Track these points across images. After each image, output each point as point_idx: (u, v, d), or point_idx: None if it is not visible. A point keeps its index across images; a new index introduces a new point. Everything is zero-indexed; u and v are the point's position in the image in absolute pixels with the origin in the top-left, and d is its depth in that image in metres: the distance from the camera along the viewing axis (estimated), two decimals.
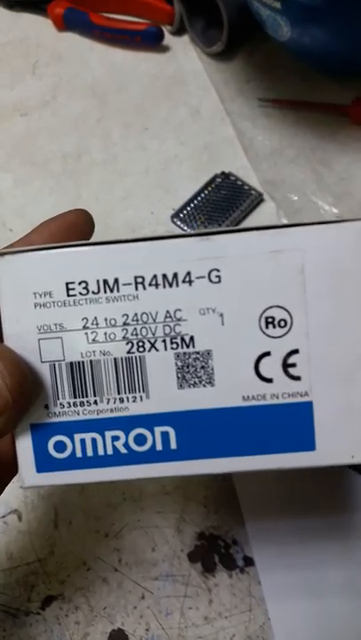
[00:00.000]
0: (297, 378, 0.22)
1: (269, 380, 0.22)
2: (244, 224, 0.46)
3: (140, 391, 0.22)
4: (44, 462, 0.22)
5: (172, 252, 0.22)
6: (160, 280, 0.22)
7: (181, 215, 0.47)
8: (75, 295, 0.22)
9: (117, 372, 0.22)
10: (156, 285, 0.22)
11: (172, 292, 0.22)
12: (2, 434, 0.21)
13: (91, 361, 0.22)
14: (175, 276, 0.22)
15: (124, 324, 0.22)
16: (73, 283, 0.22)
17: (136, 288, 0.22)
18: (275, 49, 0.52)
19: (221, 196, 0.47)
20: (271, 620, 0.34)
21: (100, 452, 0.22)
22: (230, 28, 0.51)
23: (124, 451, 0.22)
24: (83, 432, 0.22)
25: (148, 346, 0.22)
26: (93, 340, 0.22)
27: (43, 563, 0.37)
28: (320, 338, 0.22)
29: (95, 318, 0.22)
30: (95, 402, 0.22)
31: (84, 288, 0.22)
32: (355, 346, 0.22)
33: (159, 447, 0.22)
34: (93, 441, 0.22)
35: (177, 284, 0.22)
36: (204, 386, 0.22)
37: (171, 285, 0.22)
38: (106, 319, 0.22)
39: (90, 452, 0.22)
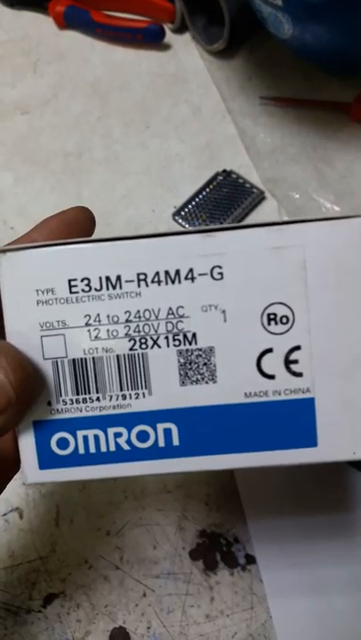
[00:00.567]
0: (299, 374, 0.22)
1: (271, 377, 0.22)
2: (246, 222, 0.46)
3: (142, 388, 0.22)
4: (47, 459, 0.22)
5: (174, 249, 0.22)
6: (162, 277, 0.22)
7: (183, 213, 0.47)
8: (77, 292, 0.22)
9: (120, 369, 0.22)
10: (159, 282, 0.22)
11: (174, 289, 0.22)
12: (5, 431, 0.21)
13: (93, 358, 0.22)
14: (178, 272, 0.22)
15: (127, 320, 0.22)
16: (75, 280, 0.22)
17: (138, 285, 0.22)
18: (276, 47, 0.52)
19: (223, 195, 0.47)
20: (273, 618, 0.34)
21: (103, 448, 0.22)
22: (232, 25, 0.51)
23: (126, 447, 0.22)
24: (85, 429, 0.22)
25: (150, 343, 0.22)
26: (96, 337, 0.22)
27: (44, 561, 0.37)
28: (322, 334, 0.22)
29: (98, 315, 0.22)
30: (98, 399, 0.22)
31: (86, 285, 0.22)
32: (357, 342, 0.22)
33: (162, 444, 0.22)
34: (96, 438, 0.22)
35: (179, 281, 0.22)
36: (207, 383, 0.22)
37: (173, 282, 0.22)
38: (108, 316, 0.22)
39: (92, 449, 0.22)
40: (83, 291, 0.22)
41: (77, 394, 0.22)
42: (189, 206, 0.47)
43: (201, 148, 0.50)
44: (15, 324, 0.22)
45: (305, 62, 0.51)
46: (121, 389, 0.22)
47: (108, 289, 0.22)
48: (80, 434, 0.22)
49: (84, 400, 0.22)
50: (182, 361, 0.22)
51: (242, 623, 0.35)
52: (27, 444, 0.22)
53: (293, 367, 0.22)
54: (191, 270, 0.22)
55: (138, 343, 0.22)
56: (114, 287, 0.22)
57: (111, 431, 0.22)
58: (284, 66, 0.53)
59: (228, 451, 0.22)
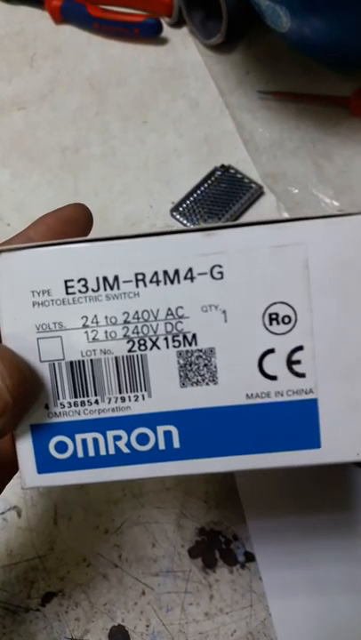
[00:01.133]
0: (302, 375, 0.22)
1: (274, 378, 0.22)
2: (245, 217, 0.46)
3: (141, 390, 0.22)
4: (45, 463, 0.22)
5: (173, 248, 0.21)
6: (161, 277, 0.21)
7: (181, 209, 0.46)
8: (74, 293, 0.21)
9: (118, 371, 0.22)
10: (157, 282, 0.21)
11: (173, 289, 0.21)
12: (1, 435, 0.21)
13: (91, 360, 0.22)
14: (177, 272, 0.21)
15: (125, 322, 0.21)
16: (72, 280, 0.21)
17: (137, 285, 0.21)
18: (274, 40, 0.51)
19: (221, 190, 0.47)
20: (273, 617, 0.34)
21: (102, 452, 0.22)
22: (229, 19, 0.51)
23: (126, 450, 0.22)
24: (84, 432, 0.22)
25: (149, 344, 0.22)
26: (94, 338, 0.22)
27: (42, 559, 0.37)
28: (325, 334, 0.21)
29: (95, 316, 0.21)
30: (96, 401, 0.22)
31: (83, 286, 0.21)
32: (360, 341, 0.22)
33: (162, 446, 0.22)
34: (95, 441, 0.22)
35: (178, 281, 0.21)
36: (207, 384, 0.22)
37: (172, 282, 0.21)
38: (106, 317, 0.21)
39: (91, 453, 0.22)
40: (79, 291, 0.21)
41: (75, 397, 0.22)
42: (187, 202, 0.47)
43: (199, 143, 0.50)
44: (11, 327, 0.22)
45: (303, 56, 0.50)
46: (120, 392, 0.22)
47: (105, 289, 0.21)
48: (79, 437, 0.22)
49: (83, 403, 0.22)
50: (182, 362, 0.22)
51: (241, 621, 0.35)
52: (24, 448, 0.22)
53: (296, 368, 0.22)
54: (190, 270, 0.21)
55: (137, 345, 0.22)
56: (111, 288, 0.21)
57: (110, 434, 0.22)
58: (282, 60, 0.53)
59: (230, 453, 0.22)
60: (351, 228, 0.21)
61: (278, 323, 0.21)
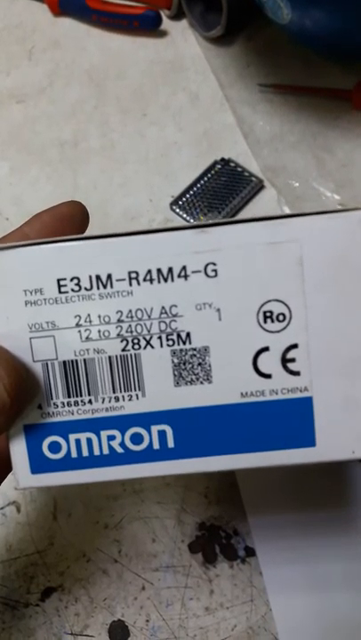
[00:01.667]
0: (296, 373, 0.22)
1: (268, 376, 0.22)
2: (245, 211, 0.46)
3: (135, 389, 0.22)
4: (39, 463, 0.22)
5: (166, 246, 0.21)
6: (155, 275, 0.21)
7: (180, 202, 0.46)
8: (67, 292, 0.21)
9: (112, 371, 0.22)
10: (151, 281, 0.21)
11: (167, 288, 0.21)
12: None
13: (84, 359, 0.22)
14: (170, 270, 0.21)
15: (119, 320, 0.21)
16: (64, 279, 0.21)
17: (130, 284, 0.21)
18: (275, 33, 0.51)
19: (221, 183, 0.47)
20: (273, 611, 0.34)
21: (96, 452, 0.22)
22: (229, 11, 0.50)
23: (120, 450, 0.22)
24: (78, 432, 0.22)
25: (143, 343, 0.21)
26: (87, 337, 0.21)
27: (42, 554, 0.37)
28: (320, 332, 0.21)
29: (88, 315, 0.21)
30: (90, 401, 0.22)
31: (76, 284, 0.21)
32: (355, 339, 0.21)
33: (156, 446, 0.22)
34: (89, 441, 0.22)
35: (172, 279, 0.21)
36: (202, 383, 0.22)
37: (166, 280, 0.21)
38: (99, 316, 0.21)
39: (85, 453, 0.22)
40: (72, 290, 0.21)
41: (69, 396, 0.22)
42: (187, 195, 0.46)
43: (199, 137, 0.49)
44: (3, 326, 0.21)
45: (304, 48, 0.50)
46: (113, 391, 0.22)
47: (98, 288, 0.21)
48: (72, 437, 0.22)
49: (76, 403, 0.22)
50: (176, 361, 0.21)
51: (241, 616, 0.35)
52: (18, 449, 0.22)
53: (290, 366, 0.22)
54: (184, 268, 0.21)
55: (130, 344, 0.21)
56: (104, 286, 0.21)
57: (104, 434, 0.22)
58: (283, 52, 0.52)
59: (225, 452, 0.22)
60: (345, 225, 0.21)
61: (273, 321, 0.21)
